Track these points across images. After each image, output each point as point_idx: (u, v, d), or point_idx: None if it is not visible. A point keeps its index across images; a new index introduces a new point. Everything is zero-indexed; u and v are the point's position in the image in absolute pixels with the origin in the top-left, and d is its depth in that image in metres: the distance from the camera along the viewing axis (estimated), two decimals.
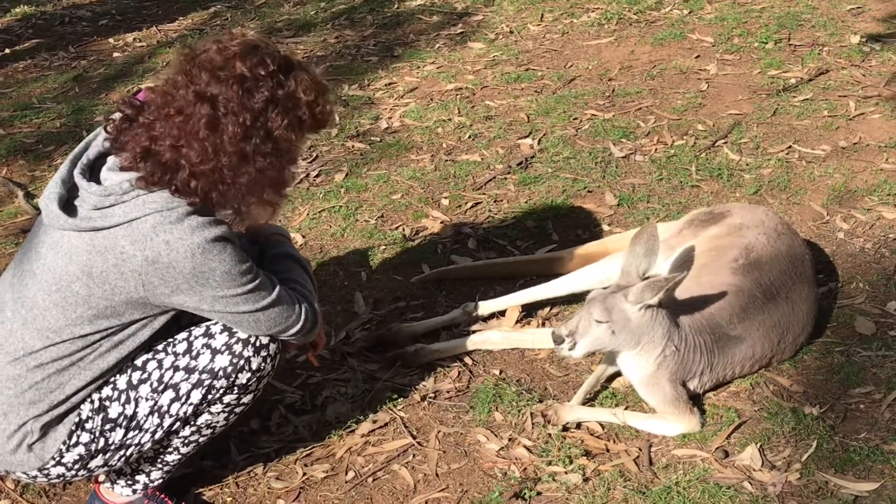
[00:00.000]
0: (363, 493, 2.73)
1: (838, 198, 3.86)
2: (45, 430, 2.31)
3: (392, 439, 2.90)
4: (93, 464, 2.38)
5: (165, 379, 2.36)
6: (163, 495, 2.63)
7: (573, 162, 4.28)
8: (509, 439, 2.86)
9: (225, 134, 2.20)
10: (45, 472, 2.35)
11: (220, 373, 2.36)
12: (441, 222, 3.90)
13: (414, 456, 2.84)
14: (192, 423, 2.42)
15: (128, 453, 2.40)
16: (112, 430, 2.36)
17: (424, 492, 2.72)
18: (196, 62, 2.23)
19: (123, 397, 2.36)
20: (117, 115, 2.30)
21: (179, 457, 2.54)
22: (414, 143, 4.55)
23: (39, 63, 5.95)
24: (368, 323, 3.40)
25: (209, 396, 2.38)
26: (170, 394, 2.36)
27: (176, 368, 2.36)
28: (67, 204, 2.24)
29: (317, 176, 4.27)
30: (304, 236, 3.87)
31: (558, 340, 2.75)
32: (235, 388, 2.40)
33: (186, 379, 2.36)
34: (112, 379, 2.37)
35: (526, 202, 4.02)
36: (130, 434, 2.37)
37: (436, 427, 2.93)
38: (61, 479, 2.40)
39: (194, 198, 2.22)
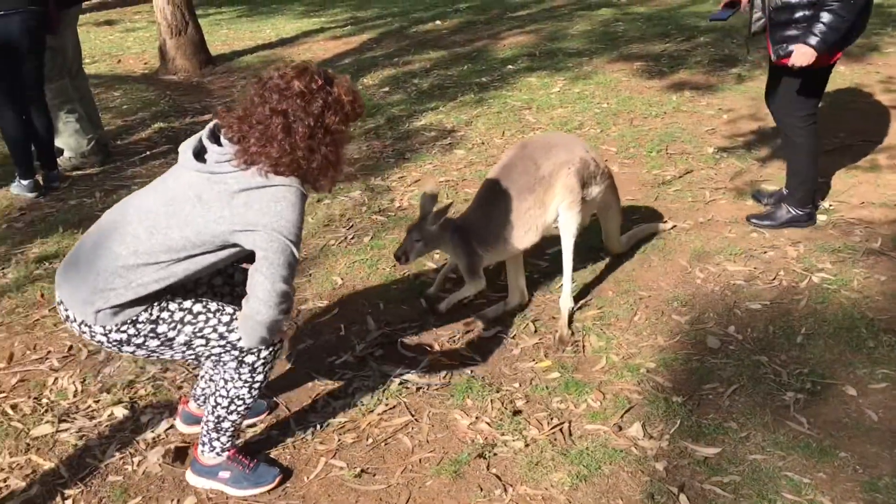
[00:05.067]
0: (378, 453, 2.74)
1: (697, 256, 3.89)
2: (117, 309, 2.25)
3: (398, 417, 2.91)
4: (125, 349, 2.34)
5: (205, 332, 2.35)
6: (241, 456, 2.61)
7: None
8: (475, 418, 2.87)
9: (297, 135, 2.20)
10: (101, 332, 2.29)
11: (237, 348, 2.38)
12: (435, 269, 3.92)
13: (412, 428, 2.85)
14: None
15: (152, 357, 2.40)
16: (153, 338, 2.32)
17: (419, 452, 2.73)
18: (266, 87, 2.23)
19: (173, 325, 2.32)
20: (219, 119, 2.30)
21: (230, 424, 2.53)
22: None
23: None
24: (378, 338, 3.39)
25: (225, 356, 2.40)
26: (201, 341, 2.35)
27: (215, 329, 2.35)
28: (198, 154, 2.25)
29: (352, 238, 4.29)
30: (342, 278, 3.87)
31: None
32: (245, 362, 2.41)
33: (217, 341, 2.36)
34: (173, 308, 2.32)
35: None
36: (162, 348, 2.35)
37: (427, 409, 2.94)
38: (100, 344, 2.33)
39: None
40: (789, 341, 3.20)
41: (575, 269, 3.81)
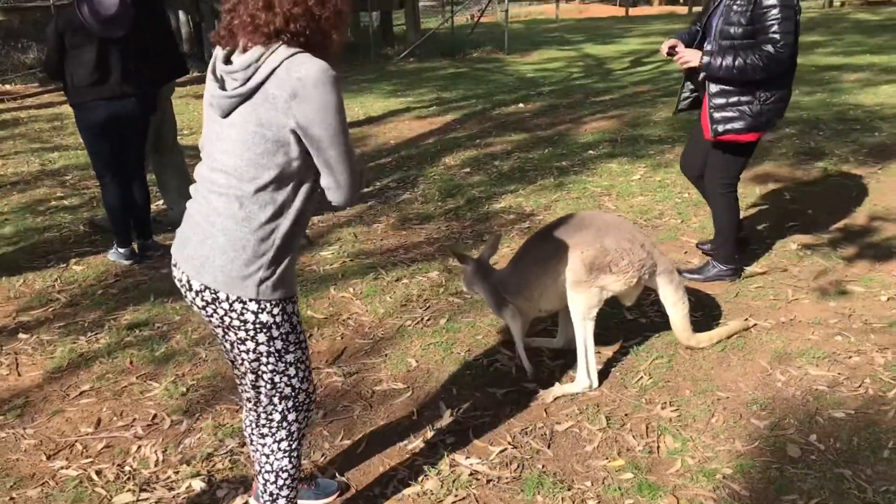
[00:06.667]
0: None
1: (779, 358, 3.81)
2: (280, 278, 2.23)
3: None
4: (257, 337, 2.29)
5: (299, 366, 2.42)
6: None
7: None
8: None
9: None
10: (252, 310, 2.24)
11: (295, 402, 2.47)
12: (509, 357, 3.93)
13: None
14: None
15: (254, 365, 2.37)
16: (282, 339, 2.32)
17: None
18: None
19: (297, 342, 2.36)
20: (216, 32, 2.21)
21: (286, 501, 2.58)
22: None
23: None
24: (451, 424, 3.40)
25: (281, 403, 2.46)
26: (293, 371, 2.40)
27: (304, 368, 2.44)
28: (222, 88, 2.17)
29: (428, 320, 4.35)
30: (416, 361, 3.92)
31: None
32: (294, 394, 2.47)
33: (298, 382, 2.44)
34: (300, 330, 2.37)
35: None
36: (276, 354, 2.35)
37: (497, 502, 2.93)
38: (241, 325, 2.27)
39: (300, 39, 2.11)
40: (875, 455, 3.08)
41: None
